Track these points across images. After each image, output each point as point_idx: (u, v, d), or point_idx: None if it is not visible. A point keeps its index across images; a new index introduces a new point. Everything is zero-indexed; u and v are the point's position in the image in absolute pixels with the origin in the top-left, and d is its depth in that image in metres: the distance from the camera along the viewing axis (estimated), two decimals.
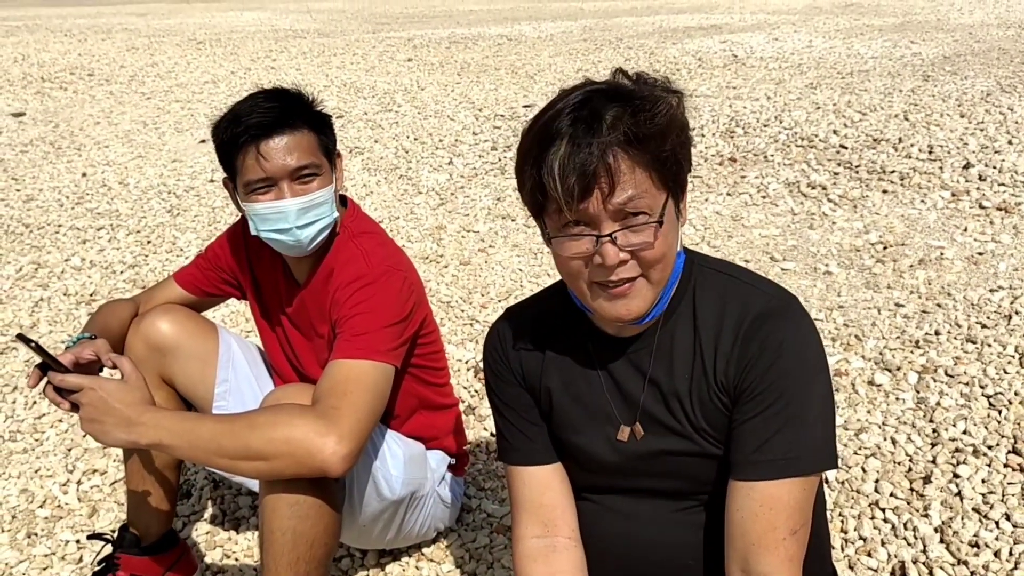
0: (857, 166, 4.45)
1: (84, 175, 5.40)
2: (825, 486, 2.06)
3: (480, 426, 2.54)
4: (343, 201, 1.79)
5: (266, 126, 1.59)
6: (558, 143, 1.06)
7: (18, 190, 5.14)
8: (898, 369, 2.60)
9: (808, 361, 1.18)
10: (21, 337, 1.47)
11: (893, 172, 4.31)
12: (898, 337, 2.80)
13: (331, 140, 1.71)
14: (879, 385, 2.54)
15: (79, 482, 2.39)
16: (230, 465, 1.45)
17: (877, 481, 2.13)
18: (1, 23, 16.98)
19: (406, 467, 1.75)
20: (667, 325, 1.23)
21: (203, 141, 5.91)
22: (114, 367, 1.54)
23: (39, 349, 1.46)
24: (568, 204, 1.07)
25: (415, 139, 5.80)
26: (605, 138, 1.05)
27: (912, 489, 2.10)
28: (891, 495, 2.08)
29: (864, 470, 2.18)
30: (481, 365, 2.77)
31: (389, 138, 5.89)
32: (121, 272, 3.85)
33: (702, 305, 1.23)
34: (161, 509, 1.90)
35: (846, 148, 4.71)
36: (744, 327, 1.19)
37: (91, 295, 3.61)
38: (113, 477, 2.39)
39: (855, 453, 2.24)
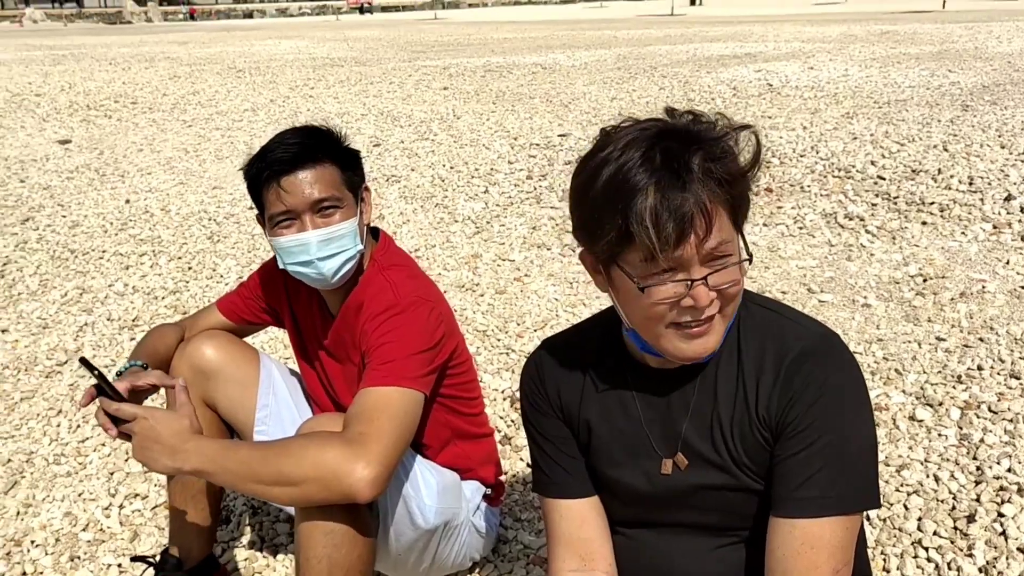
0: (895, 197, 4.42)
1: (127, 201, 5.52)
2: (866, 523, 2.03)
3: (516, 456, 2.54)
4: (375, 234, 1.82)
5: (288, 161, 1.63)
6: (645, 192, 1.06)
7: (64, 216, 5.26)
8: (940, 404, 2.56)
9: (850, 399, 1.17)
10: (84, 362, 1.52)
11: (932, 203, 4.27)
12: (939, 372, 2.76)
13: (357, 174, 1.73)
14: (920, 421, 2.51)
15: (121, 506, 2.42)
16: (264, 491, 1.47)
17: (920, 519, 2.10)
18: (49, 52, 17.45)
19: (440, 496, 1.75)
20: (711, 358, 1.24)
21: (242, 169, 6.01)
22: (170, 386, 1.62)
23: (101, 377, 1.51)
24: (664, 251, 1.07)
25: (451, 167, 5.86)
26: (697, 184, 1.06)
27: (956, 528, 2.06)
28: (934, 534, 2.05)
29: (906, 507, 2.15)
30: (517, 395, 2.78)
31: (425, 166, 5.96)
32: (163, 298, 3.92)
33: (745, 339, 1.24)
34: (202, 533, 1.93)
35: (884, 179, 4.67)
36: (787, 363, 1.19)
37: (133, 320, 3.68)
38: (154, 501, 2.42)
39: (897, 490, 2.21)
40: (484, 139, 6.63)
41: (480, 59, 12.62)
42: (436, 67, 11.67)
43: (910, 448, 2.38)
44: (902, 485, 2.22)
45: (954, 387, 2.65)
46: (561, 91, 8.83)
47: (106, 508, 2.41)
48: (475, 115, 7.72)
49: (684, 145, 1.09)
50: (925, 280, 3.49)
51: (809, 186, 4.75)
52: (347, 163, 1.71)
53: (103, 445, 2.70)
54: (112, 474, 2.55)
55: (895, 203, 4.35)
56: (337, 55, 14.62)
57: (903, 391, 2.66)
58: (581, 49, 13.72)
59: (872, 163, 4.93)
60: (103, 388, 1.54)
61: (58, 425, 2.84)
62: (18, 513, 2.40)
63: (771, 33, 14.85)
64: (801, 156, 5.24)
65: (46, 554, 2.24)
